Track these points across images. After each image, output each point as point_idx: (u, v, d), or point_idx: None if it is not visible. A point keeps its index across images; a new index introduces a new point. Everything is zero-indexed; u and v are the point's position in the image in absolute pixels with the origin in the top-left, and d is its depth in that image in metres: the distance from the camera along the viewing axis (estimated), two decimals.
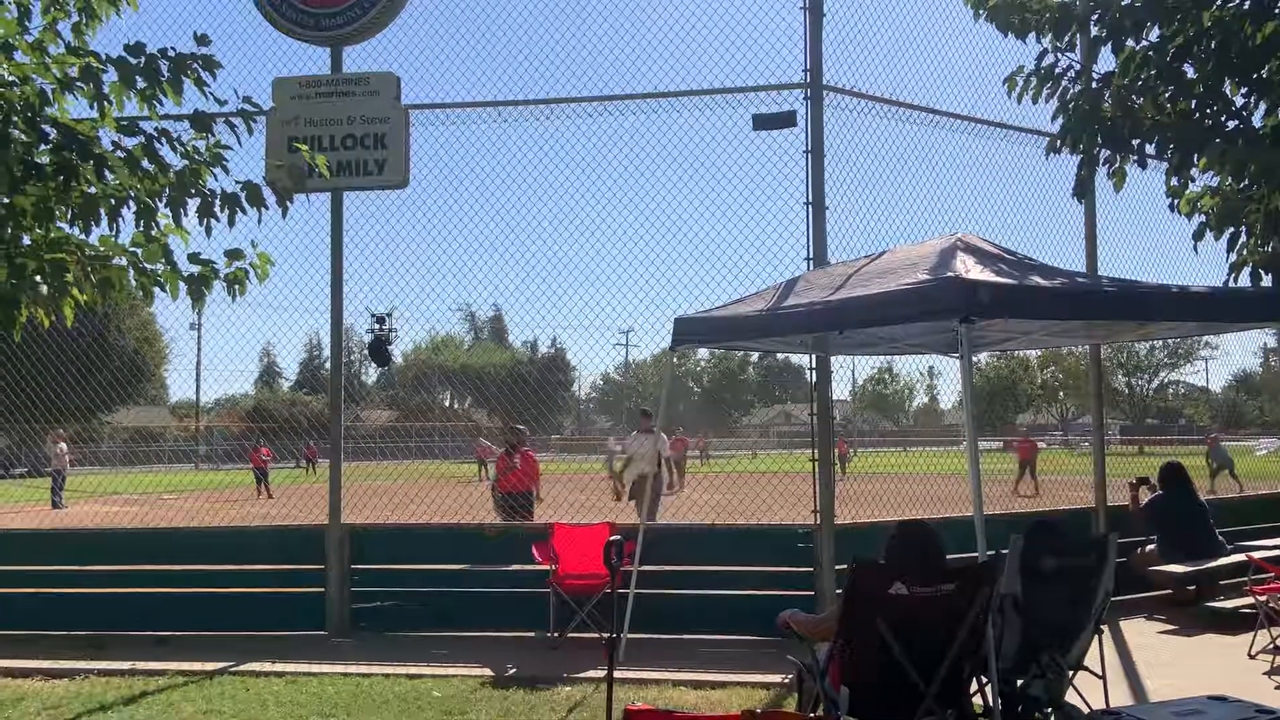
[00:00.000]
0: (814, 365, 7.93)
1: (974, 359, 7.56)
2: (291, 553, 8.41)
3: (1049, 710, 4.97)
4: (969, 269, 5.37)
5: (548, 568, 7.77)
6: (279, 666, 7.02)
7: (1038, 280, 5.54)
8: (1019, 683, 4.96)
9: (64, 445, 23.26)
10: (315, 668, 7.00)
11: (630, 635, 7.30)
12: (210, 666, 7.05)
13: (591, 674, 6.73)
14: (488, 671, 6.93)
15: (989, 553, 5.06)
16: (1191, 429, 57.46)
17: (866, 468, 29.82)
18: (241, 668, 7.05)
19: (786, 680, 6.22)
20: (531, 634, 7.81)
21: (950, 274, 5.30)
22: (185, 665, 7.09)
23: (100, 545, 8.84)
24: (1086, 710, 5.13)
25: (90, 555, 8.55)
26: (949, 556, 4.91)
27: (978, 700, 4.81)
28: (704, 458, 43.69)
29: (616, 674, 6.72)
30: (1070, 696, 5.12)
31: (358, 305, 8.68)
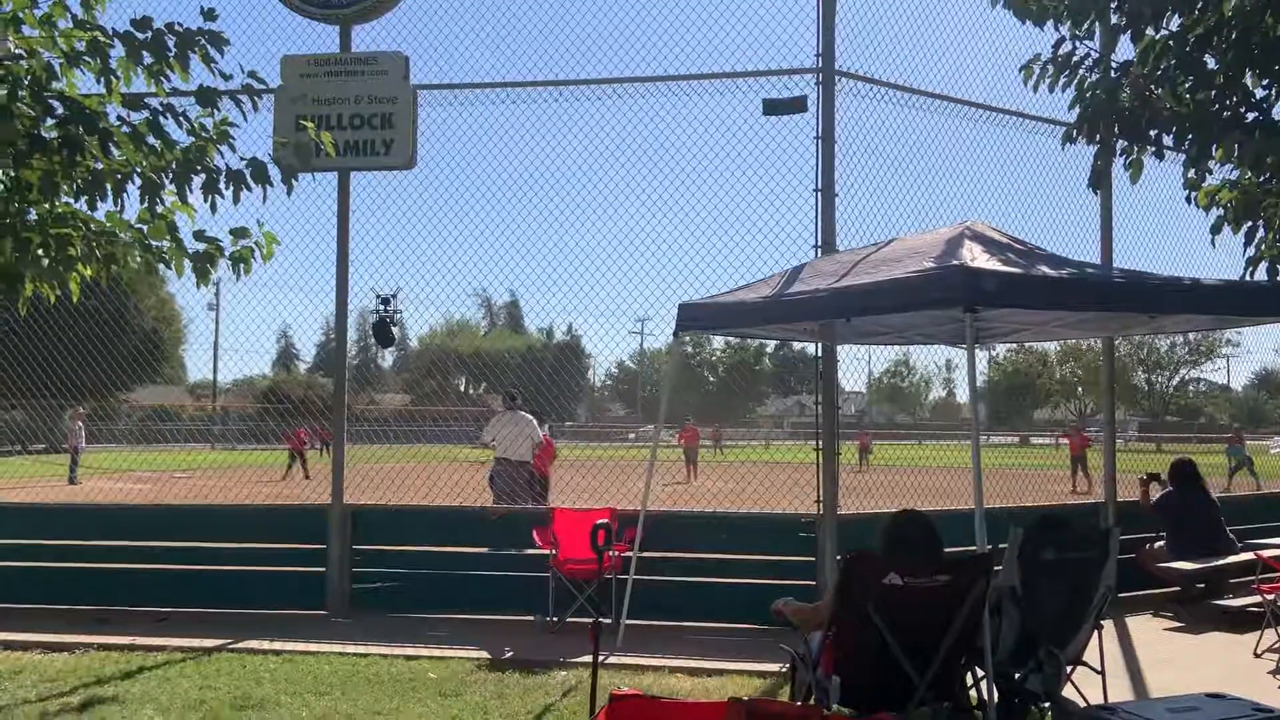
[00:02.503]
0: (820, 354, 7.87)
1: (993, 352, 7.46)
2: (293, 532, 8.41)
3: (1045, 704, 4.92)
4: (975, 257, 5.29)
5: (548, 552, 7.74)
6: (277, 645, 7.03)
7: (1045, 270, 5.45)
8: (1015, 675, 4.90)
9: (81, 423, 23.45)
10: (313, 646, 7.01)
11: (630, 621, 7.28)
12: (209, 643, 7.07)
13: (588, 659, 6.65)
14: (485, 654, 6.92)
15: (988, 545, 5.00)
16: (1212, 427, 56.97)
17: (884, 460, 29.78)
18: (240, 645, 7.07)
19: (784, 669, 6.18)
20: (531, 618, 7.78)
21: (955, 262, 5.23)
22: (184, 641, 7.11)
23: (106, 521, 8.85)
24: (1083, 704, 5.07)
25: (95, 531, 8.58)
26: (955, 549, 4.86)
27: (974, 693, 4.77)
28: (717, 446, 43.64)
29: (613, 659, 6.76)
30: (1068, 692, 5.07)
31: (367, 286, 8.65)
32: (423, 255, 8.95)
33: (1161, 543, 8.74)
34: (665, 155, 8.22)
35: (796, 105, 7.59)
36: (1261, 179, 6.17)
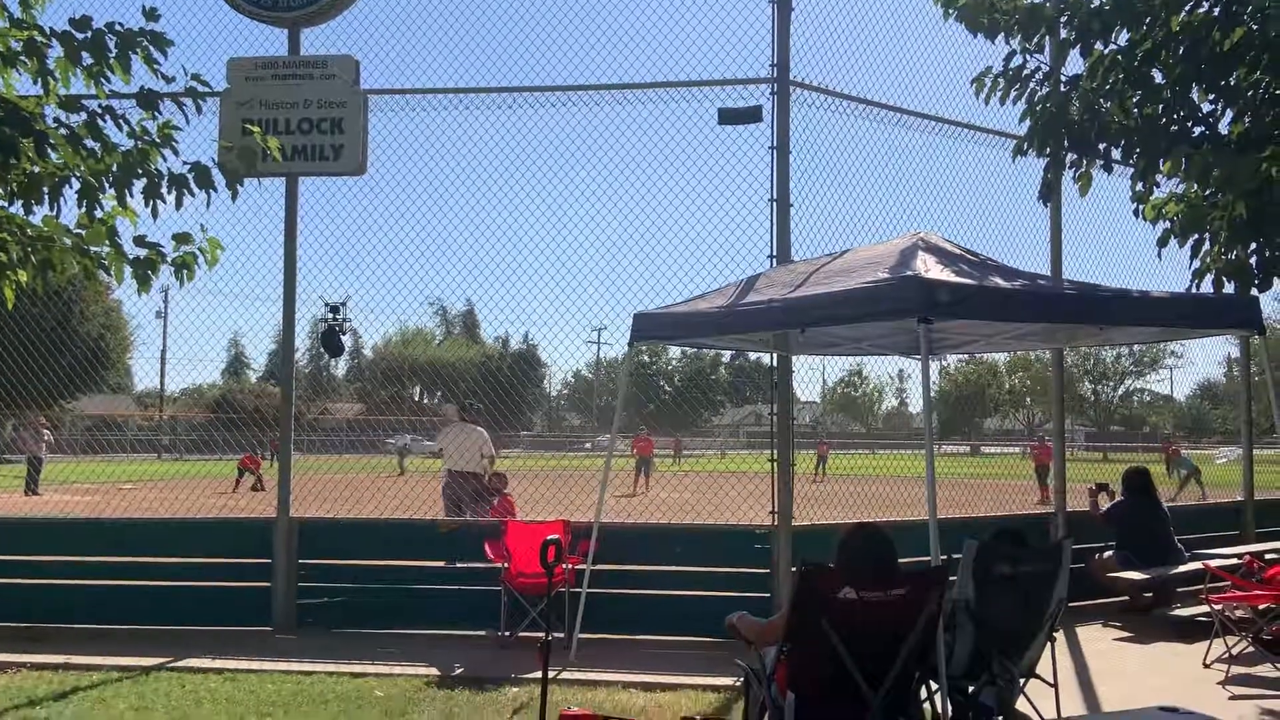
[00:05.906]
0: (775, 364, 7.85)
1: (944, 362, 7.49)
2: (238, 545, 8.19)
3: (999, 718, 4.90)
4: (929, 268, 5.29)
5: (500, 565, 7.62)
6: (219, 663, 6.83)
7: (998, 281, 5.47)
8: (970, 689, 4.88)
9: (47, 433, 22.71)
10: (256, 665, 6.81)
11: (583, 635, 7.18)
12: (148, 662, 6.85)
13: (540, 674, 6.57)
14: (434, 671, 6.77)
15: (942, 557, 4.98)
16: (1155, 436, 58.12)
17: (840, 469, 29.88)
18: (180, 663, 6.85)
19: (738, 684, 6.11)
20: (482, 633, 7.65)
21: (910, 273, 5.22)
22: (122, 660, 6.87)
23: (44, 534, 8.58)
24: (1037, 718, 5.07)
25: (32, 544, 8.30)
26: (909, 559, 4.82)
27: (928, 707, 4.73)
28: (677, 457, 43.62)
29: (566, 674, 6.65)
30: (1021, 704, 5.05)
31: (317, 294, 8.49)
32: (375, 263, 8.80)
33: (1111, 553, 8.82)
34: (620, 163, 8.15)
35: (751, 115, 7.57)
36: (1207, 192, 6.24)
